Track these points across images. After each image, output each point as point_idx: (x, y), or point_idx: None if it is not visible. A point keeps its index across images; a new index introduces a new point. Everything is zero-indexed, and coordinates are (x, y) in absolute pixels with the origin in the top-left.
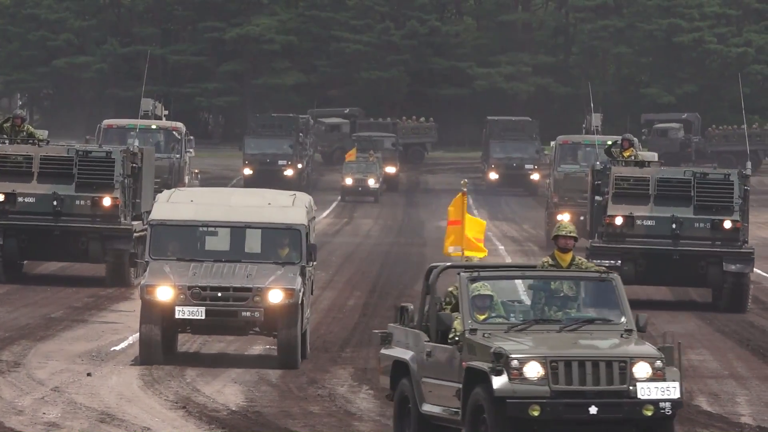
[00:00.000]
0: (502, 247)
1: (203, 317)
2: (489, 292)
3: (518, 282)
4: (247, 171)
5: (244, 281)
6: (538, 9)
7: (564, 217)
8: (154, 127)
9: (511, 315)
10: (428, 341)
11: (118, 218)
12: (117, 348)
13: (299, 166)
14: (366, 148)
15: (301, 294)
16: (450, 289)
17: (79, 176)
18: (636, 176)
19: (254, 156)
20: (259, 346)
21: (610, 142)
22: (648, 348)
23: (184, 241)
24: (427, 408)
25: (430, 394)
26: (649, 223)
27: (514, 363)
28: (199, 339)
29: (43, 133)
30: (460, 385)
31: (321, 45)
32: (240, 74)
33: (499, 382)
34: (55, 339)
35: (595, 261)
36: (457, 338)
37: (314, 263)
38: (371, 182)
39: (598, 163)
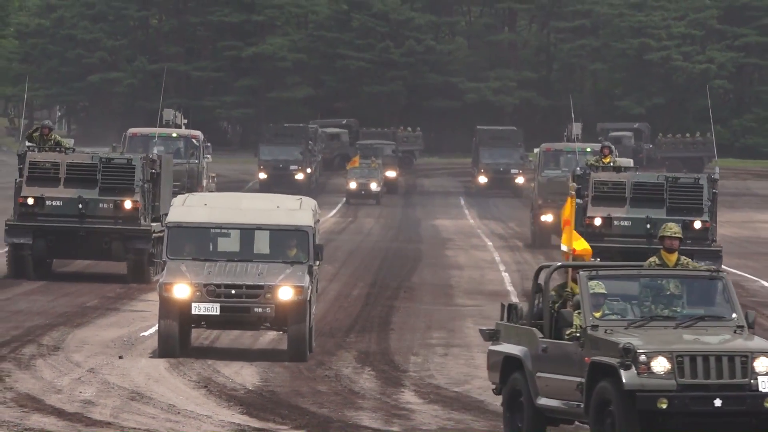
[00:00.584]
0: (491, 244)
1: (218, 313)
2: (603, 291)
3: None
4: (262, 175)
5: (256, 279)
6: (522, 30)
7: (547, 218)
8: (174, 135)
9: (619, 312)
10: (542, 338)
11: (138, 220)
12: (146, 334)
13: (308, 170)
14: (368, 155)
15: (309, 291)
16: (563, 286)
17: (102, 181)
18: (613, 180)
19: (268, 162)
20: (273, 333)
21: (588, 149)
22: (766, 343)
23: (199, 241)
24: (543, 401)
25: (547, 388)
26: (626, 223)
27: (642, 358)
28: (212, 334)
29: (69, 142)
30: (583, 380)
31: (328, 62)
32: (255, 88)
33: (628, 376)
34: (90, 326)
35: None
36: (577, 334)
37: (320, 262)
38: (373, 186)
39: (578, 168)
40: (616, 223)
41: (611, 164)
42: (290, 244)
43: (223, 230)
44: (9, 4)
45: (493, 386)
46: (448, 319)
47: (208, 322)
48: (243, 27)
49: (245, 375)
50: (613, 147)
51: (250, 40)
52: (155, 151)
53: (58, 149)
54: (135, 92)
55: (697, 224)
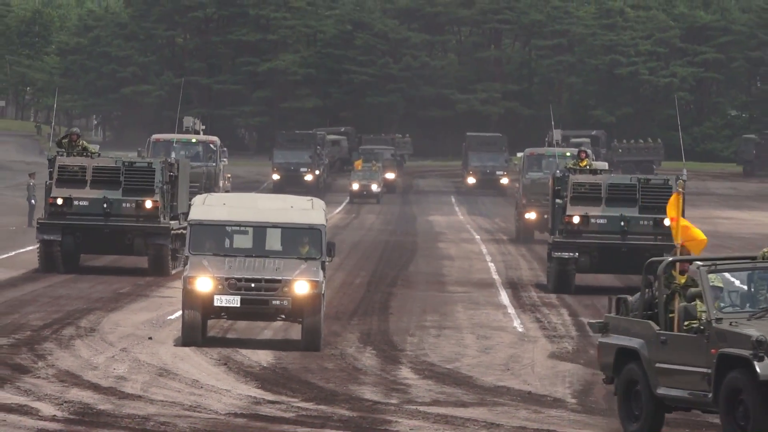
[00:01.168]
0: (478, 237)
1: (238, 305)
2: (720, 284)
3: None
4: (276, 176)
5: (273, 274)
6: (506, 47)
7: (530, 215)
8: (194, 140)
9: (736, 304)
10: (659, 330)
11: (158, 218)
12: (172, 317)
13: (317, 172)
14: (370, 159)
15: (323, 285)
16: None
17: (125, 183)
18: (590, 182)
19: (281, 164)
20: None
21: (568, 153)
22: None
23: (219, 238)
24: (664, 391)
25: (668, 379)
26: (602, 221)
27: None
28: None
29: (95, 147)
30: (710, 370)
31: (334, 76)
32: (269, 99)
33: (762, 367)
34: (122, 310)
35: (555, 253)
36: (701, 327)
37: (332, 259)
38: (374, 187)
39: (558, 171)
40: (593, 221)
41: (588, 167)
42: (303, 242)
43: (241, 228)
44: (51, 25)
45: (604, 376)
46: (440, 304)
47: (228, 313)
48: (259, 45)
49: (260, 354)
50: (589, 152)
51: (265, 56)
52: (173, 155)
53: (84, 154)
54: (162, 103)
55: (667, 222)
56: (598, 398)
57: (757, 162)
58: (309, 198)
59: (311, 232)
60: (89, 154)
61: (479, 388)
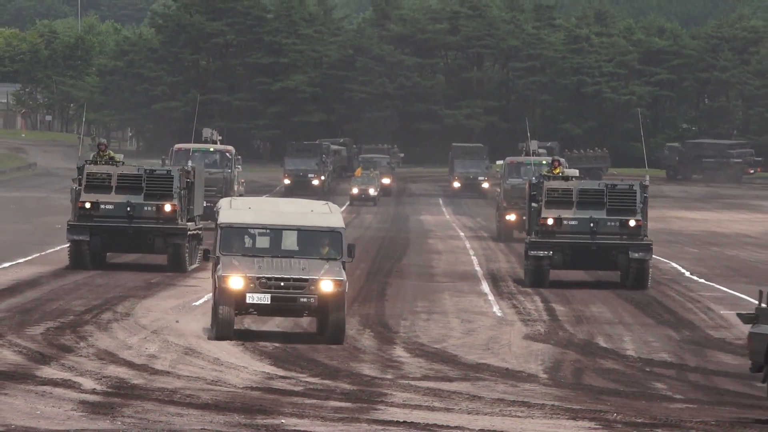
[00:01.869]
0: (462, 234)
1: (269, 302)
2: None
3: None
4: (287, 181)
5: (301, 273)
6: (487, 69)
7: (510, 217)
8: (211, 149)
9: None
10: None
11: (176, 220)
12: (197, 303)
13: (322, 177)
14: (368, 167)
15: (347, 285)
16: None
17: (146, 189)
18: (563, 188)
19: (292, 171)
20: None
21: (544, 161)
22: None
23: (246, 239)
24: None
25: None
26: (573, 223)
27: None
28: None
29: (119, 156)
30: None
31: (337, 94)
32: (281, 114)
33: None
34: (153, 297)
35: (531, 252)
36: None
37: (352, 259)
38: (372, 191)
39: (533, 178)
40: (565, 222)
41: (560, 174)
42: (324, 243)
43: (268, 230)
44: (92, 49)
45: (752, 364)
46: (429, 292)
47: (259, 309)
48: (272, 67)
49: (272, 336)
50: (562, 160)
51: (277, 77)
52: (190, 163)
53: (110, 163)
54: (188, 117)
55: (632, 222)
56: (566, 374)
57: (679, 167)
58: (325, 202)
59: (332, 234)
60: (114, 162)
61: (463, 365)
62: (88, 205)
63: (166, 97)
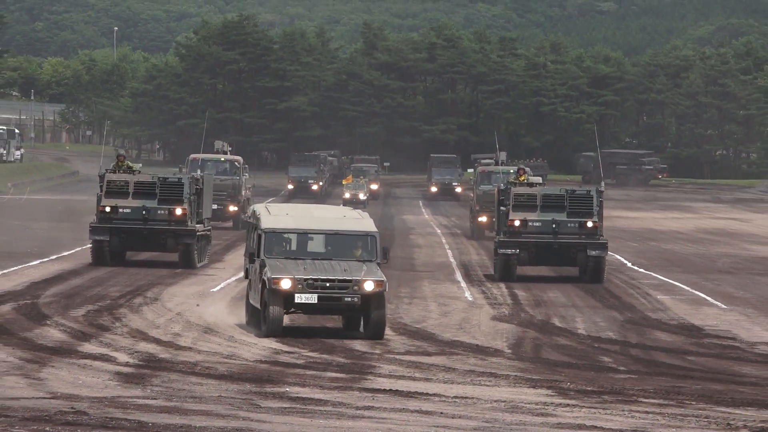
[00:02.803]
0: (439, 231)
1: (316, 302)
2: None
3: None
4: (290, 186)
5: (345, 274)
6: (460, 92)
7: (482, 219)
8: (222, 159)
9: None
10: None
11: (186, 222)
12: (215, 290)
13: (320, 183)
14: (358, 174)
15: (386, 284)
16: None
17: (160, 195)
18: (528, 193)
19: (294, 177)
20: None
21: (512, 170)
22: None
23: (287, 243)
24: None
25: None
26: (537, 224)
27: None
28: None
29: (137, 166)
30: None
31: (333, 112)
32: (286, 130)
33: None
34: (178, 284)
35: (500, 250)
36: None
37: (387, 261)
38: (361, 196)
39: (502, 184)
40: (530, 224)
41: (526, 181)
42: (360, 246)
43: (309, 235)
44: (125, 75)
45: None
46: (411, 280)
47: (305, 308)
48: (278, 90)
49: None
50: (527, 169)
51: (282, 98)
52: (199, 172)
53: (128, 171)
54: (207, 132)
55: (589, 224)
56: (527, 349)
57: (593, 174)
58: (351, 208)
59: (368, 237)
60: (132, 171)
61: (440, 341)
62: (108, 209)
63: (188, 115)
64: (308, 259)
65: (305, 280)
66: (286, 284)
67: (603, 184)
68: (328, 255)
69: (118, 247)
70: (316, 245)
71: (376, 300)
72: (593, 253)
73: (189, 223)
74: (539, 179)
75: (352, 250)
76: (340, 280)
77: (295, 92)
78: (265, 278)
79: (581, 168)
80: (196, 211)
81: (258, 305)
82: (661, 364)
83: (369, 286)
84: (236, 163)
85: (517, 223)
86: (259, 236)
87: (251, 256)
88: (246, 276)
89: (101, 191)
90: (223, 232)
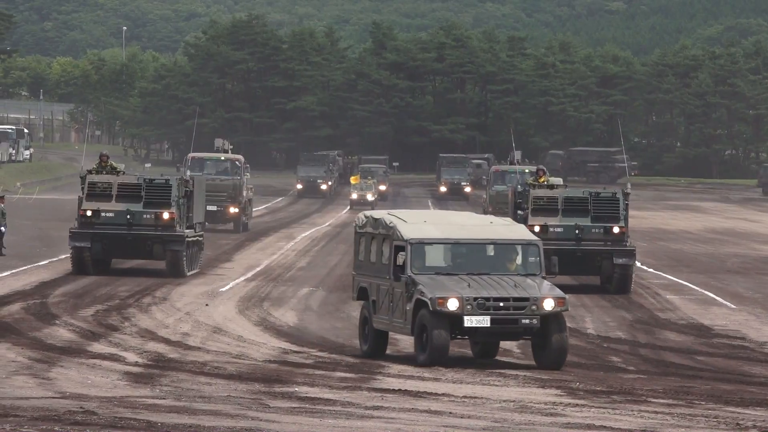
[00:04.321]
0: None
1: (489, 325)
2: None
3: None
4: (299, 186)
5: (519, 292)
6: (469, 91)
7: None
8: (222, 158)
9: None
10: None
11: (174, 227)
12: (223, 289)
13: (329, 183)
14: (366, 175)
15: (568, 303)
16: None
17: (145, 197)
18: (548, 196)
19: (303, 177)
20: (306, 289)
21: (527, 170)
22: None
23: (435, 256)
24: None
25: None
26: (559, 230)
27: None
28: (266, 288)
29: (120, 166)
30: None
31: (342, 112)
32: (295, 129)
33: None
34: (186, 284)
35: None
36: None
37: (555, 275)
38: (369, 197)
39: (519, 186)
40: (551, 229)
41: (546, 183)
42: (520, 256)
43: (461, 245)
44: (134, 75)
45: None
46: None
47: (474, 333)
48: (287, 90)
49: (288, 317)
50: (546, 170)
51: (291, 98)
52: (188, 173)
53: (113, 173)
54: (216, 132)
55: (616, 229)
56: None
57: (561, 172)
58: (488, 216)
59: (530, 247)
60: (116, 172)
61: None
62: (89, 213)
63: (197, 115)
64: (462, 274)
65: (474, 299)
66: (453, 305)
67: (629, 185)
68: (483, 268)
69: (100, 254)
70: (471, 257)
71: (556, 322)
72: (620, 261)
73: (178, 228)
74: (559, 180)
75: (509, 262)
76: (515, 299)
77: (304, 92)
78: (425, 298)
79: (548, 166)
80: (185, 215)
81: (395, 330)
82: (670, 364)
83: (549, 304)
84: (237, 163)
85: (536, 228)
86: (399, 248)
87: (395, 274)
88: (359, 297)
89: (82, 193)
90: (223, 235)
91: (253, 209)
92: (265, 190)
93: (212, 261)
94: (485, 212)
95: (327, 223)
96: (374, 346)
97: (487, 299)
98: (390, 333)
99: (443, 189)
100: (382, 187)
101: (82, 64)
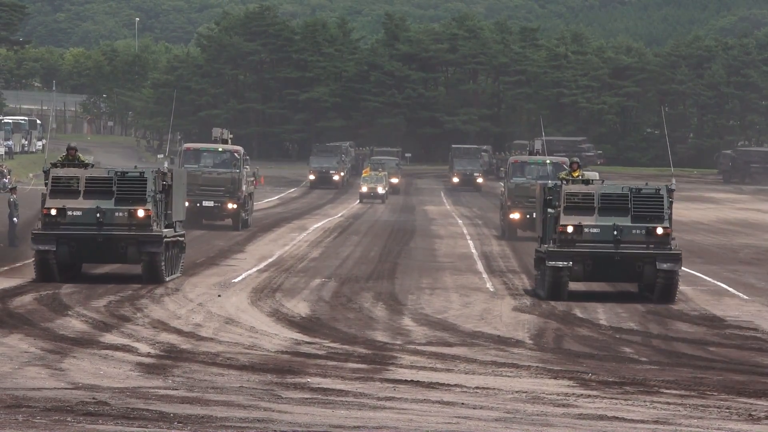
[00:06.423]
0: (461, 222)
1: None
2: None
3: None
4: (312, 177)
5: None
6: (481, 82)
7: (515, 216)
8: (220, 149)
9: None
10: None
11: (150, 226)
12: (235, 280)
13: (342, 173)
14: (377, 167)
15: None
16: None
17: (117, 193)
18: (583, 192)
19: (316, 168)
20: (318, 280)
21: (548, 161)
22: None
23: None
24: None
25: None
26: (595, 230)
27: None
28: (278, 279)
29: (88, 159)
30: None
31: (354, 103)
32: (307, 120)
33: None
34: (199, 275)
35: (550, 262)
36: None
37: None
38: (380, 190)
39: (549, 181)
40: (586, 230)
41: (580, 177)
42: None
43: None
44: (147, 65)
45: None
46: (432, 271)
47: None
48: (299, 80)
49: (300, 308)
50: (581, 162)
51: (304, 89)
52: (166, 164)
53: (80, 166)
54: (229, 123)
55: (659, 230)
56: (548, 340)
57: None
58: None
59: None
60: (83, 165)
61: (461, 332)
62: (54, 212)
63: (209, 106)
64: None
65: None
66: None
67: (674, 181)
68: None
69: (67, 258)
70: None
71: None
72: (664, 266)
73: (155, 227)
74: (596, 175)
75: None
76: None
77: (317, 83)
78: None
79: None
80: (163, 212)
81: None
82: (682, 355)
83: None
84: (236, 154)
85: (570, 229)
86: None
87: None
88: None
89: (46, 189)
90: (222, 232)
91: (265, 200)
92: (278, 181)
93: (225, 252)
94: (503, 205)
95: (339, 214)
96: None
97: None
98: (402, 323)
99: (456, 180)
100: (395, 180)
101: (94, 55)
